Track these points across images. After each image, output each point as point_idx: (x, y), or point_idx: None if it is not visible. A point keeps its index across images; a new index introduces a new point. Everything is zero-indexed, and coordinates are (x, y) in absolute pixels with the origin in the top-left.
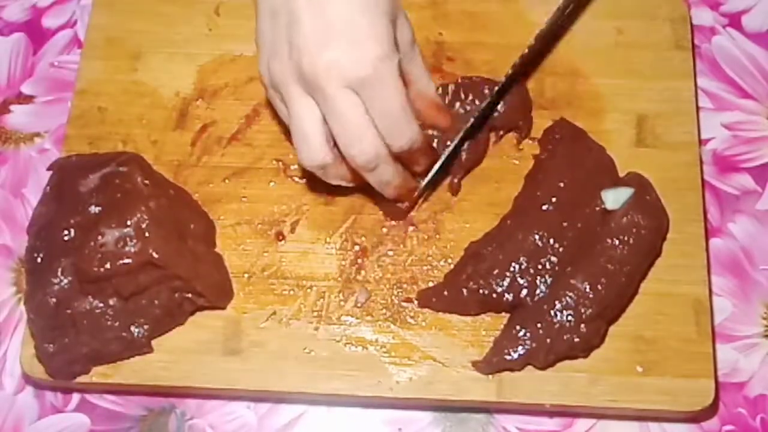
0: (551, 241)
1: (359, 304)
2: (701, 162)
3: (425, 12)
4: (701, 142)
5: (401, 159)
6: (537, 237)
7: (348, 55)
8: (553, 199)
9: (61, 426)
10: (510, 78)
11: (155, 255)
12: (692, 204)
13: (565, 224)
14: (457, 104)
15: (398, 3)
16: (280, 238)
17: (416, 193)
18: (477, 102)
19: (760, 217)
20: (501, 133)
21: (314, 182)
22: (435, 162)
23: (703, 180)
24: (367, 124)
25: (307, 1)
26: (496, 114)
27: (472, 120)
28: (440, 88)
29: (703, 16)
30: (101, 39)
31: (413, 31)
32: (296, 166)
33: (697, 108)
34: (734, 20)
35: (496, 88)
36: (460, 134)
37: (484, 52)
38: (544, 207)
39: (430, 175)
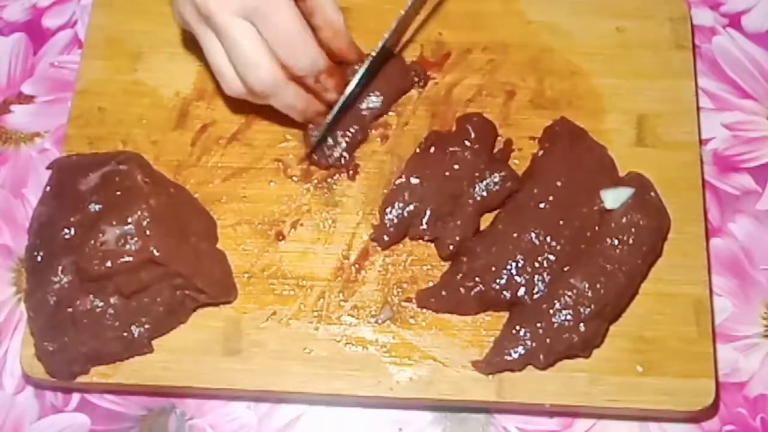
0: (548, 239)
1: (380, 322)
2: (701, 162)
3: (425, 12)
4: (701, 142)
5: (309, 87)
6: (533, 235)
7: None
8: (551, 198)
9: (61, 426)
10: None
11: (156, 252)
12: (692, 204)
13: (562, 223)
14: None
15: None
16: (280, 238)
17: (327, 118)
18: None
19: (760, 217)
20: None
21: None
22: (345, 86)
23: (703, 180)
24: (261, 51)
25: None
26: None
27: (379, 47)
28: None
29: (703, 16)
30: (101, 39)
31: None
32: (297, 166)
33: (698, 108)
34: (734, 20)
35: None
36: (366, 65)
37: (484, 52)
38: (541, 205)
39: (342, 99)
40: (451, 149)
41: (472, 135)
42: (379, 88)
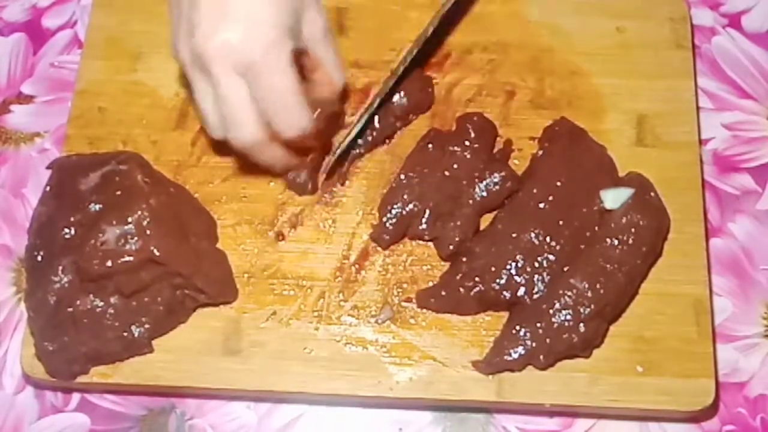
0: (548, 239)
1: (380, 322)
2: (701, 162)
3: (425, 12)
4: (701, 142)
5: (291, 145)
6: (533, 235)
7: (238, 38)
8: (550, 198)
9: (61, 426)
10: (407, 66)
11: (156, 252)
12: (692, 204)
13: (562, 223)
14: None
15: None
16: (280, 238)
17: (321, 171)
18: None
19: (760, 217)
20: (409, 117)
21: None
22: (327, 147)
23: (703, 180)
24: (247, 111)
25: None
26: (396, 102)
27: (373, 103)
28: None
29: (703, 16)
30: (101, 39)
31: (327, 21)
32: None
33: (698, 108)
34: (734, 20)
35: (393, 77)
36: (364, 118)
37: (484, 52)
38: (541, 205)
39: (335, 154)
40: (450, 148)
41: (472, 135)
42: (394, 109)
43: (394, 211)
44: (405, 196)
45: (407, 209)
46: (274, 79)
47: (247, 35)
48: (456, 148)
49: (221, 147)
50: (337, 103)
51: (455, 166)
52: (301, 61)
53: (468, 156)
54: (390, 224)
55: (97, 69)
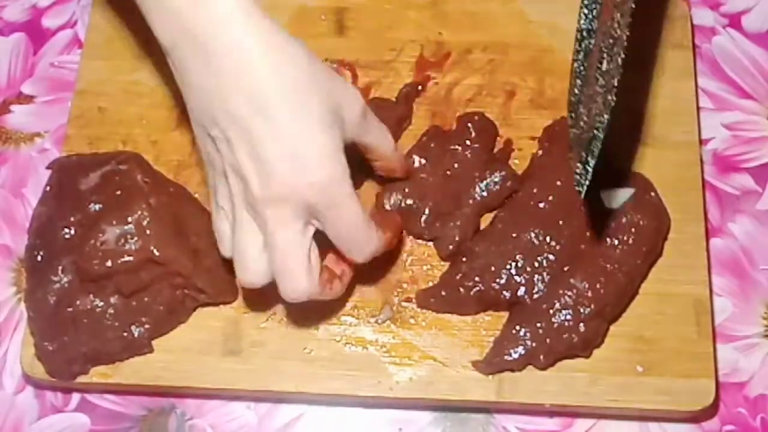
0: (548, 238)
1: (380, 322)
2: (701, 162)
3: (425, 12)
4: (701, 142)
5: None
6: (533, 235)
7: (292, 186)
8: (550, 198)
9: (61, 426)
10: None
11: (156, 252)
12: (693, 204)
13: (561, 222)
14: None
15: (332, 81)
16: None
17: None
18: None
19: (760, 217)
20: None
21: None
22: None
23: (703, 180)
24: (305, 269)
25: (241, 129)
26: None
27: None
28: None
29: (703, 16)
30: (101, 39)
31: (360, 98)
32: None
33: (698, 108)
34: (734, 20)
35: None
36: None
37: (484, 52)
38: (541, 205)
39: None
40: (451, 147)
41: (473, 134)
42: None
43: (393, 200)
44: (406, 189)
45: (407, 202)
46: (341, 217)
47: (301, 180)
48: (456, 147)
49: None
50: (397, 171)
51: (456, 165)
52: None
53: (468, 155)
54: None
55: (97, 69)
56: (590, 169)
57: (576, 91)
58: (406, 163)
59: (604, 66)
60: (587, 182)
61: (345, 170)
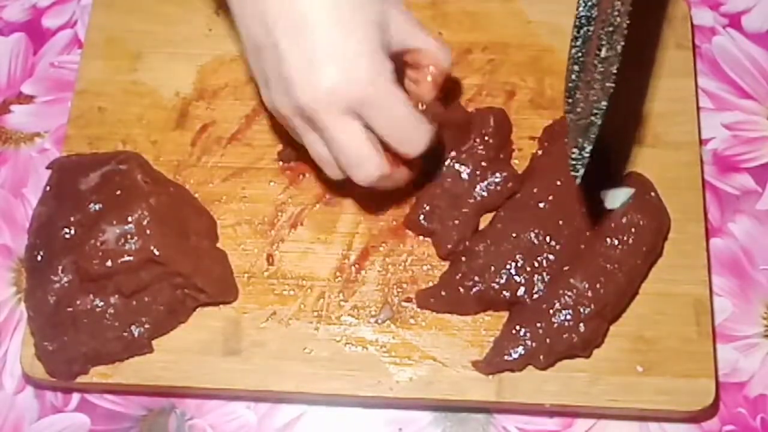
0: (547, 238)
1: (380, 321)
2: (701, 162)
3: (425, 12)
4: (701, 142)
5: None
6: (533, 234)
7: (337, 83)
8: (550, 197)
9: (61, 426)
10: None
11: (156, 252)
12: (693, 204)
13: (561, 222)
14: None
15: (384, 3)
16: (280, 238)
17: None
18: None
19: (760, 217)
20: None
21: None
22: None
23: (703, 180)
24: (367, 149)
25: (284, 30)
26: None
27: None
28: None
29: (703, 16)
30: (101, 39)
31: (407, 13)
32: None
33: (698, 108)
34: (734, 20)
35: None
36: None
37: (484, 52)
38: (541, 205)
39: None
40: (466, 138)
41: (492, 128)
42: None
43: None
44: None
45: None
46: (387, 110)
47: (345, 77)
48: (472, 137)
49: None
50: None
51: (464, 156)
52: (400, 61)
53: (481, 149)
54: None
55: (97, 69)
56: (587, 155)
57: (573, 77)
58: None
59: (603, 53)
60: (583, 168)
61: (387, 66)
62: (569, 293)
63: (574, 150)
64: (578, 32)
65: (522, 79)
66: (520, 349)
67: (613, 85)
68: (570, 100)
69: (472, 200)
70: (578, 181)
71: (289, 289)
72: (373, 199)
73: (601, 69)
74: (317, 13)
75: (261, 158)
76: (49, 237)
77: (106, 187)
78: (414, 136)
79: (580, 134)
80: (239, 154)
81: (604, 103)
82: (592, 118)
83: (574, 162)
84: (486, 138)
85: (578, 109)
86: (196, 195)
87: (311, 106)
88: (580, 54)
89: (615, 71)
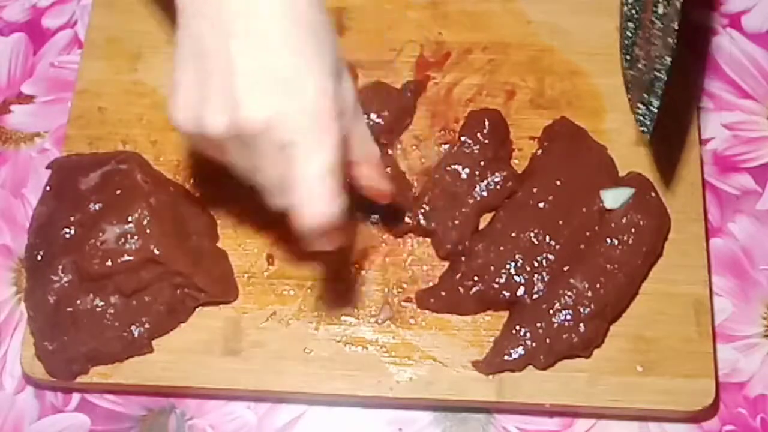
0: (547, 238)
1: (380, 321)
2: (701, 162)
3: (425, 12)
4: (701, 142)
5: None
6: (533, 234)
7: (288, 108)
8: (550, 197)
9: (61, 426)
10: None
11: (156, 251)
12: (693, 204)
13: (561, 222)
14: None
15: (342, 59)
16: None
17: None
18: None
19: (760, 217)
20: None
21: None
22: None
23: (703, 180)
24: (321, 185)
25: (246, 45)
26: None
27: None
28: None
29: (703, 16)
30: (101, 39)
31: (355, 90)
32: None
33: (698, 108)
34: (734, 20)
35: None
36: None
37: (484, 52)
38: (541, 205)
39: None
40: (461, 139)
41: (486, 129)
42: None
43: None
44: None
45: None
46: (314, 156)
47: (299, 107)
48: (467, 140)
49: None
50: (376, 180)
51: (461, 158)
52: None
53: (477, 150)
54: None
55: (97, 69)
56: (654, 110)
57: (629, 33)
58: (396, 188)
59: (661, 10)
60: (652, 123)
61: (336, 111)
62: (569, 293)
63: (640, 106)
64: None
65: (522, 79)
66: (520, 349)
67: (675, 41)
68: (628, 57)
69: (471, 200)
70: (647, 137)
71: (289, 289)
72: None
73: (660, 26)
74: (277, 28)
75: None
76: (49, 237)
77: (106, 186)
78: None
79: (644, 90)
80: None
81: (668, 58)
82: (656, 73)
83: (641, 117)
84: (481, 139)
85: (639, 65)
86: (197, 195)
87: (252, 128)
88: (634, 11)
89: (676, 27)
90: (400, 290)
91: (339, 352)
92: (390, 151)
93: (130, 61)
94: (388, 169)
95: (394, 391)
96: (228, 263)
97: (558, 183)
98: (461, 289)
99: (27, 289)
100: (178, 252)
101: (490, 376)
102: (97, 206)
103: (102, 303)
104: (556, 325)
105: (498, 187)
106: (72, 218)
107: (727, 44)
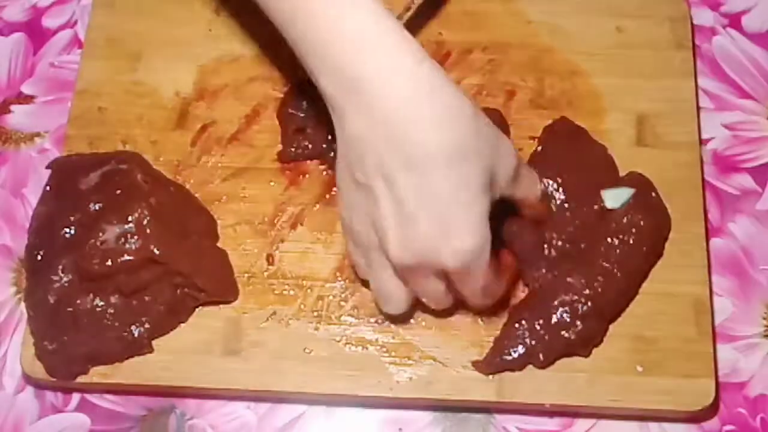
0: (547, 237)
1: (380, 321)
2: (701, 162)
3: (425, 12)
4: (701, 142)
5: None
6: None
7: (432, 250)
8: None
9: (61, 426)
10: None
11: (156, 251)
12: (693, 204)
13: (561, 222)
14: None
15: (493, 140)
16: (280, 239)
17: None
18: None
19: (760, 217)
20: None
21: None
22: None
23: (703, 180)
24: (445, 301)
25: (406, 180)
26: None
27: None
28: None
29: (703, 16)
30: (101, 39)
31: (516, 155)
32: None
33: (698, 108)
34: (734, 20)
35: None
36: None
37: (484, 52)
38: None
39: None
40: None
41: None
42: None
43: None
44: None
45: None
46: (473, 281)
47: (447, 242)
48: None
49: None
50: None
51: None
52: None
53: None
54: None
55: (97, 69)
56: None
57: None
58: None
59: None
60: None
61: (488, 240)
62: (569, 292)
63: None
64: None
65: (522, 79)
66: (520, 349)
67: None
68: None
69: None
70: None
71: (289, 289)
72: None
73: None
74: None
75: (261, 158)
76: (49, 237)
77: (106, 186)
78: (486, 297)
79: None
80: (239, 154)
81: None
82: None
83: None
84: None
85: None
86: (197, 195)
87: (408, 264)
88: None
89: None
90: None
91: (339, 352)
92: None
93: (130, 61)
94: None
95: (394, 391)
96: (228, 263)
97: (558, 183)
98: None
99: (27, 289)
100: (178, 252)
101: (490, 376)
102: (97, 206)
103: (102, 303)
104: (554, 322)
105: None
106: (72, 218)
107: (727, 44)
